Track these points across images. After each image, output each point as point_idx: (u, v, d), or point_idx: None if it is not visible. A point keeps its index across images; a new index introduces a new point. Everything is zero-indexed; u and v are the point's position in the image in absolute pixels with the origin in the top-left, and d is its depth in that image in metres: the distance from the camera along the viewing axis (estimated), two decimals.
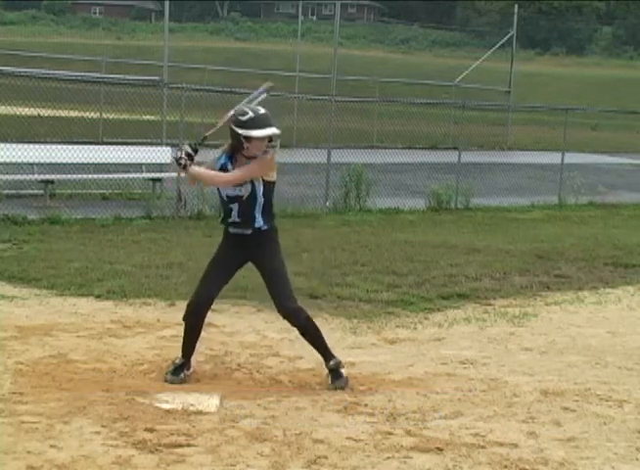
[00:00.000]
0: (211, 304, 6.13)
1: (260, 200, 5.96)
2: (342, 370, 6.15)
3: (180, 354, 6.20)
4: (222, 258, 6.10)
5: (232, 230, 6.04)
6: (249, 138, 5.84)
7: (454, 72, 34.25)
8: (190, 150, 5.88)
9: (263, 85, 6.36)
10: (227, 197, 5.99)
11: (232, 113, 5.96)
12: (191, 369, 6.21)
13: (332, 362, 6.15)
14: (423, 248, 12.00)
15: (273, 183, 6.03)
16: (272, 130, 5.87)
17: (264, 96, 6.23)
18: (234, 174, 5.91)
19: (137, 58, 33.62)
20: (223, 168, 5.97)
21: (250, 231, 5.99)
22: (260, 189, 5.95)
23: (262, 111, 5.90)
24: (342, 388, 6.05)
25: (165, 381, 6.09)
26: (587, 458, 5.03)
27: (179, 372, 6.13)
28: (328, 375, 6.15)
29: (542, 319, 8.55)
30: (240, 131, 5.83)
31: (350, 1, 79.71)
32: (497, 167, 21.28)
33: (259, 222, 5.98)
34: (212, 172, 5.95)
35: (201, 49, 55.09)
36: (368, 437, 5.18)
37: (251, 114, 5.84)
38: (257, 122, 5.82)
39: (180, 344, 6.35)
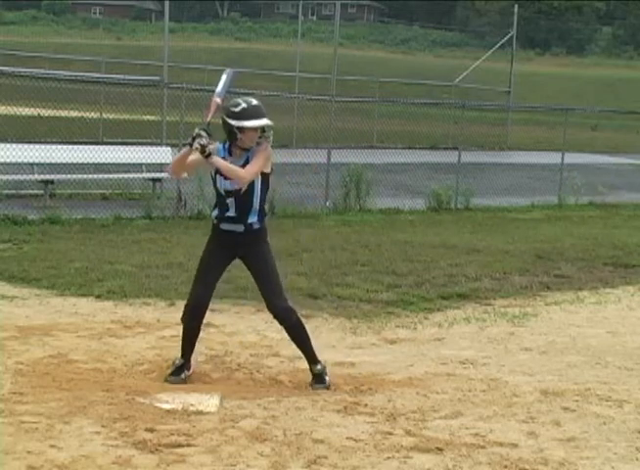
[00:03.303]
0: (208, 304, 6.12)
1: (257, 194, 5.95)
2: (326, 377, 6.16)
3: (180, 355, 6.19)
4: (213, 256, 6.06)
5: (224, 227, 6.00)
6: (241, 129, 5.82)
7: (454, 73, 34.24)
8: (206, 136, 5.77)
9: (225, 71, 6.28)
10: (225, 191, 5.94)
11: (218, 100, 5.93)
12: (191, 369, 6.20)
13: (318, 367, 6.16)
14: (423, 248, 12.00)
15: (269, 175, 6.02)
16: (265, 121, 5.86)
17: (235, 76, 6.20)
18: (250, 170, 5.85)
19: (137, 58, 33.60)
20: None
21: (242, 229, 5.97)
22: (259, 183, 5.95)
23: (255, 102, 5.89)
24: (323, 388, 6.06)
25: (166, 381, 6.08)
26: (587, 458, 5.03)
27: (179, 372, 6.13)
28: (312, 377, 6.16)
29: (542, 319, 8.55)
30: (233, 122, 5.81)
31: (350, 1, 79.69)
32: (497, 168, 21.28)
33: (253, 219, 5.96)
34: (233, 166, 5.85)
35: (201, 49, 55.06)
36: (368, 437, 5.18)
37: (243, 104, 5.83)
38: (250, 113, 5.81)
39: (179, 344, 6.35)
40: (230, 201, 5.95)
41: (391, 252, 11.59)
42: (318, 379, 6.14)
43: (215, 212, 6.06)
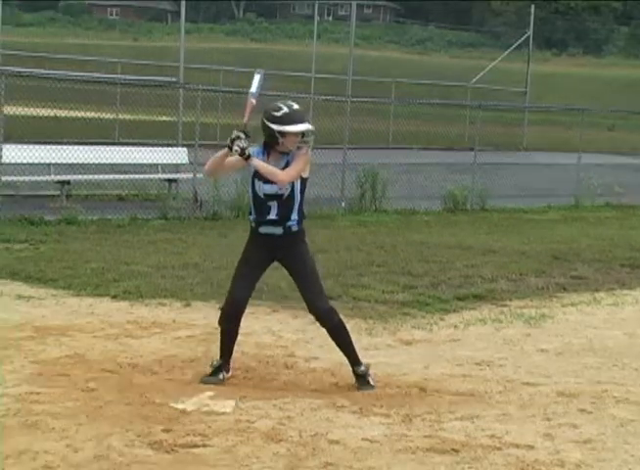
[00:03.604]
0: (246, 305, 6.11)
1: (298, 198, 5.96)
2: (370, 378, 6.15)
3: (218, 356, 6.17)
4: (252, 258, 6.05)
5: (262, 230, 5.99)
6: (283, 133, 5.83)
7: (470, 73, 34.16)
8: (245, 138, 5.78)
9: (257, 71, 6.29)
10: (265, 195, 5.94)
11: (253, 100, 5.95)
12: (230, 372, 6.20)
13: (361, 368, 6.15)
14: (438, 249, 11.98)
15: (307, 180, 6.03)
16: (306, 126, 5.88)
17: (263, 77, 6.19)
18: (289, 173, 5.87)
19: (153, 59, 33.68)
20: None
21: (280, 232, 5.96)
22: (298, 187, 5.96)
23: (296, 106, 5.91)
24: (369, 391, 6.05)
25: (202, 382, 6.06)
26: (604, 460, 5.01)
27: (217, 373, 6.13)
28: (356, 379, 6.16)
29: (558, 321, 8.51)
30: (274, 127, 5.82)
31: (366, 1, 79.62)
32: (513, 168, 21.21)
33: (293, 222, 5.97)
34: (273, 168, 5.86)
35: (217, 50, 55.17)
36: (383, 438, 5.17)
37: (285, 109, 5.84)
38: (292, 117, 5.83)
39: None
40: (272, 204, 5.93)
41: (407, 252, 11.58)
42: (362, 380, 6.14)
43: (253, 216, 6.03)
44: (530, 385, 6.36)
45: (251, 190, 6.03)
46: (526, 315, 8.59)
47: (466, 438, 5.22)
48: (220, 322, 6.15)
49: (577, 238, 13.74)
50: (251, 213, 6.07)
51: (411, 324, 8.06)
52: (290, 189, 5.92)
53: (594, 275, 10.75)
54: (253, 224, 6.05)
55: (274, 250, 6.01)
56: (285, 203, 5.93)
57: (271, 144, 5.94)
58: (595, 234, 14.32)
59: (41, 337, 6.98)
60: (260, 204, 5.97)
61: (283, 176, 5.85)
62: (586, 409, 5.85)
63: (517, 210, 17.24)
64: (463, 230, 14.21)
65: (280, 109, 5.85)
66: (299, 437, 5.12)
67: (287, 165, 5.91)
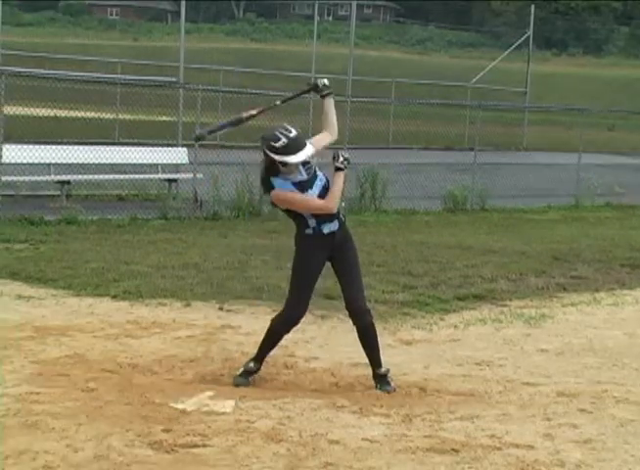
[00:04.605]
0: None
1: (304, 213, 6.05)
2: (390, 379, 6.17)
3: (253, 360, 6.19)
4: (316, 265, 6.06)
5: (326, 231, 5.99)
6: (285, 163, 5.82)
7: (470, 73, 34.15)
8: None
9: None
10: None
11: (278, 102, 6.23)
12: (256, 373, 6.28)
13: (382, 370, 6.18)
14: (438, 249, 11.98)
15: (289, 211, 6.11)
16: (306, 152, 5.84)
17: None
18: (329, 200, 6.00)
19: (153, 59, 33.66)
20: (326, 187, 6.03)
21: (337, 225, 6.03)
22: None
23: (293, 133, 5.84)
24: (389, 391, 6.07)
25: (236, 384, 6.09)
26: (604, 460, 5.01)
27: (248, 376, 6.17)
28: (376, 379, 6.18)
29: (558, 321, 8.52)
30: (276, 157, 5.80)
31: (366, 1, 79.61)
32: (513, 168, 21.20)
33: (340, 213, 6.09)
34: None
35: (217, 50, 55.15)
36: (383, 438, 5.17)
37: (283, 139, 5.78)
38: (291, 148, 5.78)
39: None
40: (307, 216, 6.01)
41: (407, 252, 11.58)
42: (382, 380, 6.16)
43: (316, 226, 6.03)
44: (530, 385, 6.36)
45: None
46: (526, 315, 8.59)
47: (466, 438, 5.22)
48: (283, 329, 6.16)
49: (577, 238, 13.74)
50: (307, 227, 6.01)
51: (411, 324, 8.06)
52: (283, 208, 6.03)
53: (594, 275, 10.75)
54: (311, 232, 6.00)
55: (333, 245, 6.03)
56: (299, 215, 6.00)
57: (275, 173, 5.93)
58: (595, 234, 14.32)
59: (41, 337, 6.98)
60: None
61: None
62: (586, 409, 5.85)
63: (517, 210, 17.24)
64: (463, 230, 14.21)
65: (278, 139, 5.79)
66: (299, 437, 5.12)
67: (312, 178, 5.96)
